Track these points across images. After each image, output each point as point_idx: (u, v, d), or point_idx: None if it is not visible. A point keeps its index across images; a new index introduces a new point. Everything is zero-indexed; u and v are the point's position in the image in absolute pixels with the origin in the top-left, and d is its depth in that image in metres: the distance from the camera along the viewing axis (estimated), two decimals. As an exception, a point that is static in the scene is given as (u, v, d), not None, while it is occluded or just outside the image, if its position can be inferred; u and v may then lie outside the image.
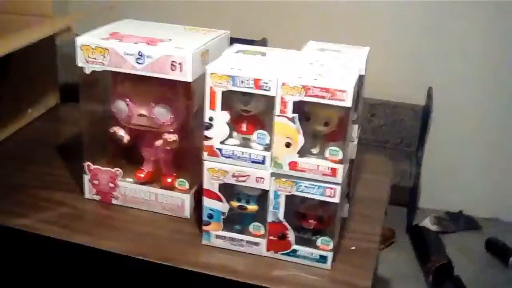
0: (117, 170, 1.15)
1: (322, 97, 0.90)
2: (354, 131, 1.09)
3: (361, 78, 1.03)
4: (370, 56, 1.08)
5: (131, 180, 1.16)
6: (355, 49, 1.09)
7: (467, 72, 2.57)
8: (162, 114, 1.09)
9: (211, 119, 0.96)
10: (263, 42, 2.54)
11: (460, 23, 2.51)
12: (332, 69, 0.96)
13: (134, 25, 1.18)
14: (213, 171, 0.99)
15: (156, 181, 1.17)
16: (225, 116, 0.96)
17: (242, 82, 0.92)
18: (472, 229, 2.70)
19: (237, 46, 1.07)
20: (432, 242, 2.49)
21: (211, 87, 0.94)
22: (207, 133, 0.97)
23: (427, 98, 2.55)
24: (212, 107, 0.95)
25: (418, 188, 2.66)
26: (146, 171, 1.19)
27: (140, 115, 1.10)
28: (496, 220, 2.74)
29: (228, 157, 0.98)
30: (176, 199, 1.13)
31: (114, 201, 1.17)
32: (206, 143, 0.98)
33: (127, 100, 1.10)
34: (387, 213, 1.24)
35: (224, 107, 0.96)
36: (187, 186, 1.12)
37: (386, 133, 2.68)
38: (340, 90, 0.89)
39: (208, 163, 0.99)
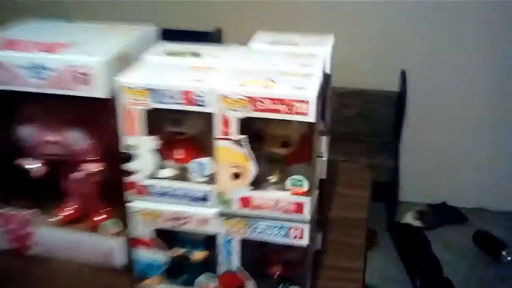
0: (28, 214, 0.91)
1: (276, 111, 0.66)
2: (323, 145, 0.86)
3: (326, 78, 0.80)
4: (335, 42, 0.85)
5: (53, 221, 0.92)
6: (315, 39, 0.86)
7: (441, 54, 2.37)
8: (78, 139, 0.85)
9: (130, 147, 0.72)
10: (217, 34, 2.29)
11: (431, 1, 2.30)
12: (288, 71, 0.73)
13: (35, 27, 0.93)
14: (143, 214, 0.75)
15: (84, 220, 0.93)
16: (151, 142, 0.72)
17: (167, 96, 0.68)
18: (458, 222, 2.51)
19: (162, 46, 0.83)
20: (416, 241, 2.30)
21: (126, 106, 0.70)
22: (127, 166, 0.73)
23: (401, 83, 2.34)
24: (131, 131, 0.71)
25: (397, 182, 2.45)
26: (70, 209, 0.94)
27: (51, 142, 0.86)
28: (482, 210, 2.55)
29: (161, 194, 0.74)
30: (105, 246, 0.89)
31: (30, 251, 0.93)
32: (128, 179, 0.74)
33: (33, 124, 0.86)
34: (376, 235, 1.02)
35: (149, 129, 0.72)
36: (117, 228, 0.88)
37: (358, 124, 2.47)
38: (299, 101, 0.65)
39: (134, 205, 0.75)
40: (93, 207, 0.93)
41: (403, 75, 2.33)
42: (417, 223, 2.48)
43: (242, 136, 0.69)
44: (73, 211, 0.94)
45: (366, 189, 1.13)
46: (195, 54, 0.78)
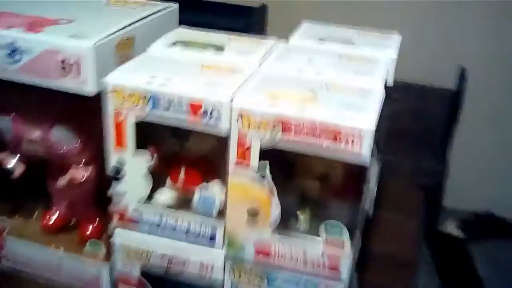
0: (3, 220, 0.75)
1: (314, 139, 0.47)
2: (373, 172, 0.67)
3: (387, 91, 0.60)
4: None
5: (32, 231, 0.76)
6: (377, 39, 0.66)
7: (503, 53, 2.12)
8: (63, 138, 0.68)
9: (119, 167, 0.54)
10: (261, 11, 2.09)
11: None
12: (337, 84, 0.53)
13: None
14: (129, 251, 0.58)
15: (71, 231, 0.77)
16: (145, 160, 0.54)
17: (168, 106, 0.50)
18: (504, 235, 2.29)
19: (178, 33, 0.64)
20: (457, 255, 2.09)
21: (116, 113, 0.52)
22: (114, 189, 0.55)
23: (459, 81, 2.11)
24: (121, 145, 0.53)
25: (442, 188, 2.23)
26: (57, 214, 0.78)
27: (31, 140, 0.69)
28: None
29: (153, 226, 0.57)
30: (89, 270, 0.72)
31: (2, 263, 0.77)
32: (114, 205, 0.56)
33: (11, 116, 0.69)
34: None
35: (144, 144, 0.54)
36: (103, 251, 0.71)
37: (407, 121, 2.24)
38: (350, 128, 0.46)
39: (120, 237, 0.58)
40: (83, 214, 0.77)
41: (462, 72, 2.10)
42: (458, 233, 2.27)
43: (264, 168, 0.50)
44: (62, 214, 0.78)
45: (419, 217, 0.93)
46: (218, 48, 0.59)
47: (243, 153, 0.49)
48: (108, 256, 0.70)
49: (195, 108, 0.49)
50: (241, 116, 0.48)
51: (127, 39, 0.63)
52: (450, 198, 2.35)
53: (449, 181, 2.28)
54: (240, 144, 0.49)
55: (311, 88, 0.51)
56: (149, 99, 0.50)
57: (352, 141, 0.46)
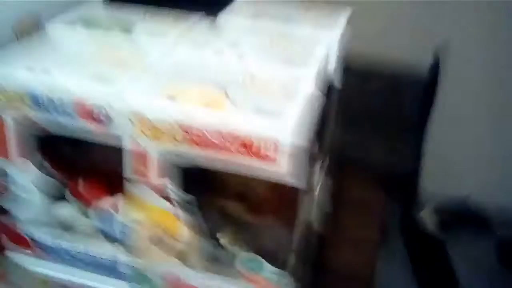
0: None
1: (225, 151, 0.38)
2: (315, 176, 0.57)
3: (331, 85, 0.51)
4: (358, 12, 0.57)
5: None
6: (319, 14, 0.56)
7: (483, 32, 2.04)
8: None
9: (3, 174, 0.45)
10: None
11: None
12: (259, 77, 0.44)
13: None
14: (24, 274, 0.49)
15: None
16: (32, 168, 0.45)
17: (50, 105, 0.40)
18: (482, 225, 2.22)
19: (86, 9, 0.54)
20: (431, 247, 2.02)
21: (-9, 113, 0.42)
22: (-3, 203, 0.46)
23: (434, 64, 2.02)
24: (2, 152, 0.44)
25: (418, 176, 2.16)
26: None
27: None
28: (510, 210, 2.25)
29: (51, 252, 0.47)
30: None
31: None
32: (3, 220, 0.47)
33: None
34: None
35: (34, 148, 0.45)
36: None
37: (381, 104, 2.16)
38: (264, 140, 0.37)
39: (14, 258, 0.49)
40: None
41: (437, 55, 2.01)
42: (434, 222, 2.20)
43: (161, 183, 0.41)
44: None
45: (380, 225, 0.84)
46: (126, 29, 0.49)
47: (141, 165, 0.40)
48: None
49: (81, 109, 0.40)
50: (134, 120, 0.39)
51: (33, 20, 0.53)
52: (426, 186, 2.29)
53: (426, 170, 2.21)
54: (135, 154, 0.40)
55: (224, 83, 0.42)
56: (29, 98, 0.40)
57: (269, 153, 0.36)
